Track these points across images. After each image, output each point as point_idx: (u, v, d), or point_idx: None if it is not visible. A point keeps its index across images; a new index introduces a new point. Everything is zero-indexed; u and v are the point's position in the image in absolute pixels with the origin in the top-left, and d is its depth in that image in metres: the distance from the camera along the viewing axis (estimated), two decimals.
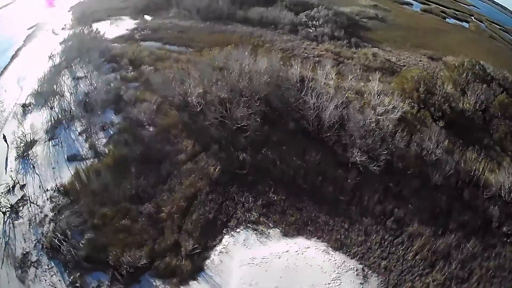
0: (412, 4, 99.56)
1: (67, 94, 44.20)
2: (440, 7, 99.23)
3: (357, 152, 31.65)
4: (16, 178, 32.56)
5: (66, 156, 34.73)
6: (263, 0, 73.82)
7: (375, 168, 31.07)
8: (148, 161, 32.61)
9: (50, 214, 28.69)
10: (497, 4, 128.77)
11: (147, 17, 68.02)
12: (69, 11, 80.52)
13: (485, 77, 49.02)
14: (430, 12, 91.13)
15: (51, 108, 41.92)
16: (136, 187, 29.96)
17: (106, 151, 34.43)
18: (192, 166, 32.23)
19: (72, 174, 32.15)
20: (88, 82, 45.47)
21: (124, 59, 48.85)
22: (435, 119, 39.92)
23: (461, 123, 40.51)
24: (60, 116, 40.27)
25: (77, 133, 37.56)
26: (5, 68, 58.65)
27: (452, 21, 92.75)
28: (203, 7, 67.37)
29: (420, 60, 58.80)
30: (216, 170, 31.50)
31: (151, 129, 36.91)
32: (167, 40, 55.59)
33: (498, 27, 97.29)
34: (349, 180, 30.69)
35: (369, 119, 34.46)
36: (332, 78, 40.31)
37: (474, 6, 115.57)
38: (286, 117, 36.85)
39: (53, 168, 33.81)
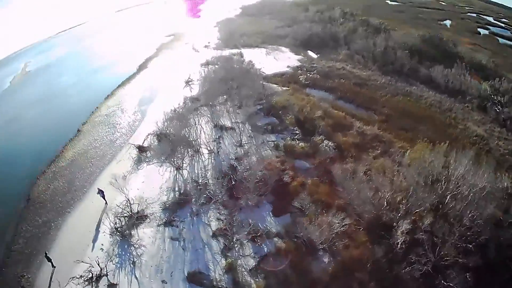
0: None
1: (204, 151, 30.74)
2: None
3: None
4: (105, 266, 21.46)
5: (186, 271, 21.37)
6: (440, 55, 59.44)
7: None
8: None
9: None
10: None
11: (312, 54, 53.98)
12: (215, 26, 71.00)
13: None
14: None
15: (178, 168, 28.70)
16: None
17: (253, 285, 20.41)
18: None
19: None
20: (236, 139, 31.52)
21: (288, 115, 34.04)
22: None
23: None
24: (189, 188, 26.79)
25: (211, 232, 23.50)
26: (129, 79, 49.05)
27: None
28: (378, 55, 51.99)
29: None
30: None
31: (326, 260, 21.74)
32: (342, 93, 40.10)
33: None
34: None
35: None
36: None
37: None
38: (498, 276, 22.64)
39: (162, 281, 21.11)
